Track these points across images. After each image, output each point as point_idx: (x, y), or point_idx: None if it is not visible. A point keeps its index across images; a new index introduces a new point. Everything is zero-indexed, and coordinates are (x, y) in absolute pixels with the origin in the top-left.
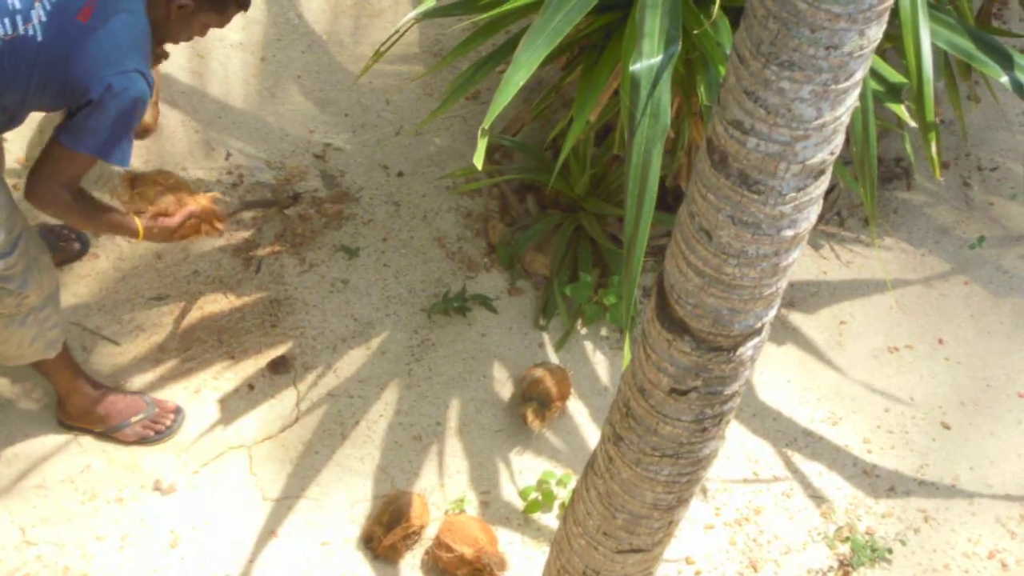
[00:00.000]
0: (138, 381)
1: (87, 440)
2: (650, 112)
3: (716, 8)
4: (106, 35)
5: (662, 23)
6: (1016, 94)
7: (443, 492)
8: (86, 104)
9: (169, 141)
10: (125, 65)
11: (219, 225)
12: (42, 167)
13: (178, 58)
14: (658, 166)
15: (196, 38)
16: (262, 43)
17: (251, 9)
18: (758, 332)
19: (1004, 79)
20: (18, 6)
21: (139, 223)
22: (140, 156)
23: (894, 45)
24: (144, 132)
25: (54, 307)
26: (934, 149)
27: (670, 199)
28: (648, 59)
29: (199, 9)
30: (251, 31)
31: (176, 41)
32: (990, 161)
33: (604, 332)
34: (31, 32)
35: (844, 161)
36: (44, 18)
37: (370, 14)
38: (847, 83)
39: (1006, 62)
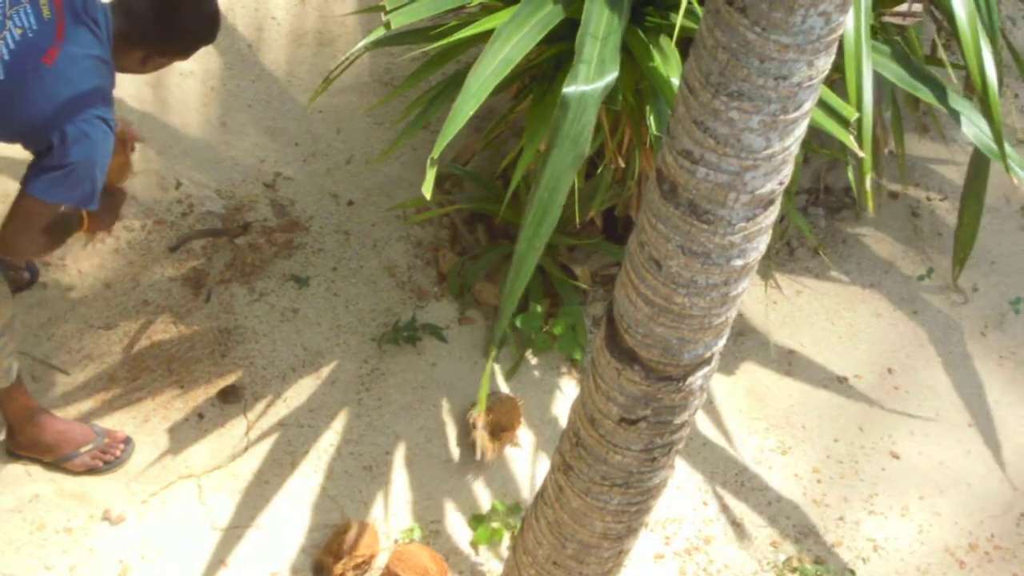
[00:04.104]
0: (87, 410)
1: (36, 469)
2: (571, 136)
3: (672, 44)
4: (69, 80)
5: (602, 52)
6: (955, 120)
7: (393, 521)
8: (47, 149)
9: None
10: (87, 112)
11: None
12: (14, 220)
13: (128, 87)
14: (565, 193)
15: None
16: (213, 72)
17: None
18: (708, 362)
19: (944, 108)
20: None
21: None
22: None
23: (842, 76)
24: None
25: (10, 336)
26: (868, 183)
27: (620, 229)
28: (583, 85)
29: (171, 60)
30: (202, 60)
31: (134, 72)
32: (939, 191)
33: (554, 362)
34: None
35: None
36: (7, 56)
37: (321, 43)
38: (796, 113)
39: (940, 93)
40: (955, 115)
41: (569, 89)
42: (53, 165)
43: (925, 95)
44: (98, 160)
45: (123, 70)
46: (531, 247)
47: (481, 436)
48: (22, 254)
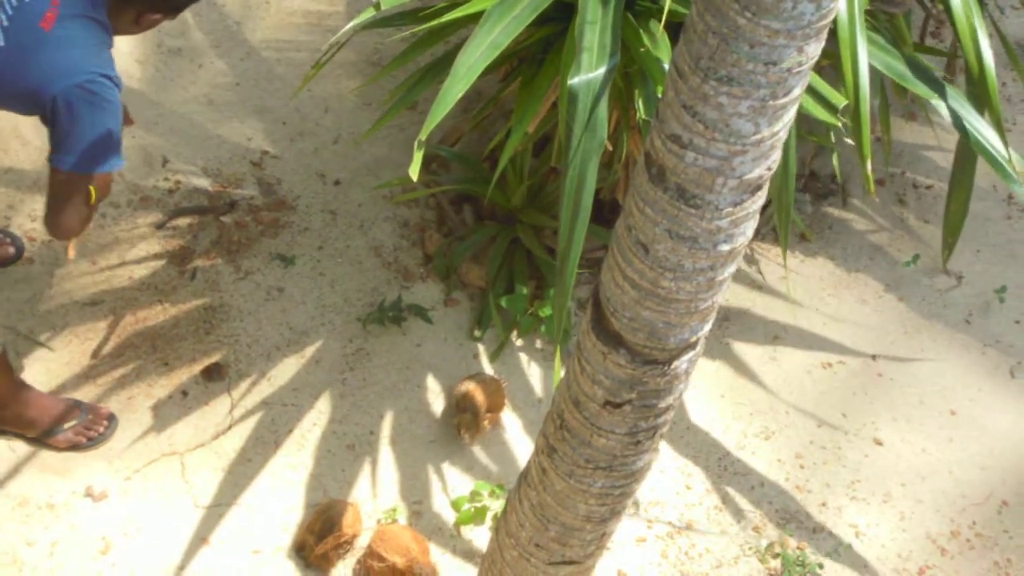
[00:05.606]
0: (71, 387)
1: (19, 445)
2: (587, 126)
3: (661, 28)
4: (68, 43)
5: (601, 38)
6: (950, 117)
7: (376, 501)
8: (53, 115)
9: None
10: (89, 73)
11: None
12: (53, 202)
13: (116, 63)
14: (593, 180)
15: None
16: (200, 50)
17: (189, 16)
18: (693, 346)
19: (935, 101)
20: None
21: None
22: None
23: (831, 62)
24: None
25: None
26: (869, 167)
27: (607, 212)
28: (587, 73)
29: (163, 18)
30: (189, 38)
31: (128, 33)
32: (925, 179)
33: (539, 344)
34: None
35: None
36: (6, 23)
37: (309, 22)
38: (785, 99)
39: (935, 85)
40: (948, 107)
41: (574, 80)
42: (68, 133)
43: (914, 85)
44: (110, 116)
45: (117, 32)
46: (571, 243)
47: (465, 417)
48: (73, 233)
